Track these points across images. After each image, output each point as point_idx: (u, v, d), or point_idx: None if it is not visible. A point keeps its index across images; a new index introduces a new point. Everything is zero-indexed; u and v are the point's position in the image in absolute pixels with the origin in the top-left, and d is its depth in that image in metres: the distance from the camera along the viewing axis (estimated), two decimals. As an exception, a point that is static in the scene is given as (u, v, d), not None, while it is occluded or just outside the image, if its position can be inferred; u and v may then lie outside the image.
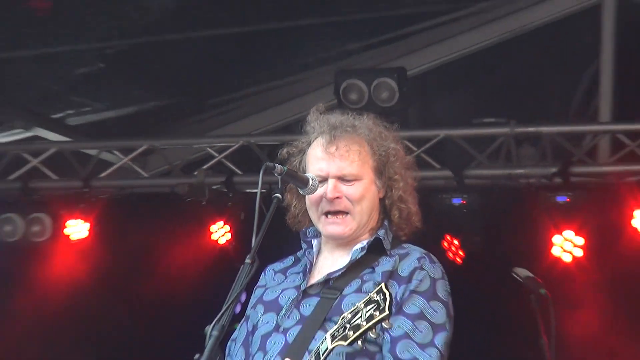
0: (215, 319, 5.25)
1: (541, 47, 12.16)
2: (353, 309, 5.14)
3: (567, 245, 11.16)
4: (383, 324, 4.94)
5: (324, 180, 5.83)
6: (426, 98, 11.62)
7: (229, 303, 5.30)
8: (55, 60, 11.49)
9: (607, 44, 11.58)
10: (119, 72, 11.94)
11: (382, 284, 5.00)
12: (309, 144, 5.98)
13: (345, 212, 5.85)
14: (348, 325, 5.11)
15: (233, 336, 5.96)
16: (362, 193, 5.88)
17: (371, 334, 5.01)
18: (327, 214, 5.84)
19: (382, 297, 4.90)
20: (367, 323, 4.96)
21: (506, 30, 11.88)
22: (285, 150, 5.97)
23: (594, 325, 10.66)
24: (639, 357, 10.80)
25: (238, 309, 5.66)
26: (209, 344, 5.24)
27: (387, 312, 4.90)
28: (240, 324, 5.99)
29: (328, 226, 5.88)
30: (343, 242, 5.97)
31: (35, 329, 12.12)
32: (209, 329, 5.26)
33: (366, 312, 5.04)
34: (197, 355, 5.23)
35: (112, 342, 12.21)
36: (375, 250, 5.87)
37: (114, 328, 12.16)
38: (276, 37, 11.42)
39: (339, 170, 5.85)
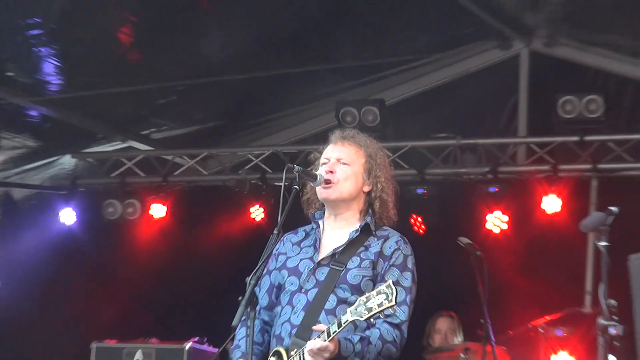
0: (253, 272, 5.94)
1: (479, 84, 12.26)
2: (368, 294, 5.42)
3: (496, 221, 11.49)
4: (390, 309, 5.48)
5: (325, 164, 6.03)
6: (399, 120, 11.80)
7: (262, 261, 6.06)
8: (143, 94, 11.74)
9: (523, 81, 12.07)
10: (187, 102, 12.22)
11: (391, 282, 5.37)
12: (323, 151, 6.16)
13: (330, 183, 5.91)
14: (364, 306, 5.37)
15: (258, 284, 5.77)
16: (349, 175, 5.96)
17: (375, 312, 5.39)
18: (324, 180, 5.93)
19: (390, 291, 5.32)
20: (378, 307, 5.34)
21: (454, 73, 12.23)
22: (312, 155, 6.27)
23: (514, 275, 10.92)
24: (545, 294, 10.86)
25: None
26: (249, 289, 5.92)
27: (393, 303, 5.30)
28: (263, 276, 6.02)
29: (323, 192, 5.95)
30: (338, 213, 6.08)
31: (130, 287, 12.56)
32: (248, 279, 5.98)
33: (378, 299, 5.35)
34: (240, 297, 5.94)
35: (184, 292, 12.43)
36: (364, 232, 5.96)
37: (184, 281, 12.42)
38: (295, 78, 11.48)
39: (339, 154, 6.00)
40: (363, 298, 5.50)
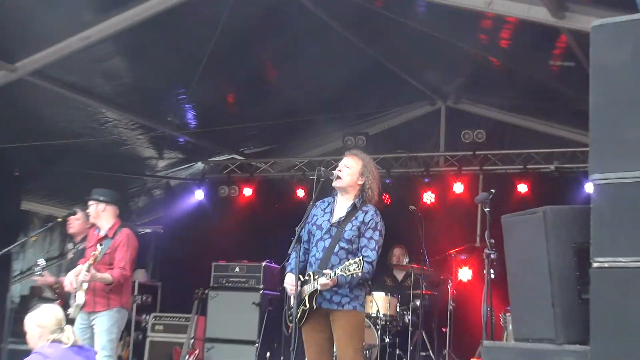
0: (299, 224, 5.86)
1: (419, 123, 12.23)
2: (350, 261, 5.45)
3: (427, 197, 11.41)
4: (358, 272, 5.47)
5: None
6: (376, 142, 11.66)
7: (303, 219, 5.97)
8: (240, 130, 11.53)
9: (442, 122, 11.85)
10: (263, 133, 12.11)
11: (361, 257, 5.49)
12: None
13: (339, 177, 5.89)
14: (347, 268, 5.39)
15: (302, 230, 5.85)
16: (349, 173, 5.85)
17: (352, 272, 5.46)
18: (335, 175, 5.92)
19: (359, 263, 5.40)
20: (353, 270, 5.38)
21: (406, 118, 12.20)
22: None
23: (437, 226, 10.55)
24: (455, 237, 10.61)
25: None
26: (297, 233, 5.86)
27: (360, 272, 5.41)
28: (304, 227, 5.97)
29: (334, 182, 5.87)
30: (343, 194, 5.95)
31: (233, 233, 12.22)
32: (297, 228, 5.89)
33: (353, 266, 5.40)
34: (292, 238, 5.84)
35: (261, 235, 12.03)
36: (354, 208, 5.84)
37: (261, 229, 12.11)
38: (314, 123, 11.45)
39: (345, 162, 5.90)
40: (348, 262, 5.52)
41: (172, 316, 10.93)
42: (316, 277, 5.72)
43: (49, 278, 7.91)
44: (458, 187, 11.22)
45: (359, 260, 5.51)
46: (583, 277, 4.18)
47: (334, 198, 6.04)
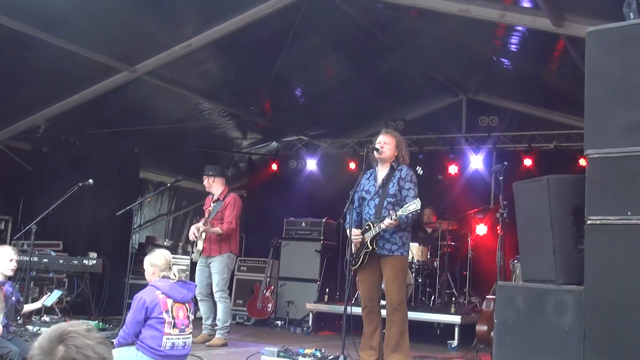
0: (353, 189, 5.84)
1: (445, 114, 11.91)
2: (406, 205, 5.46)
3: (453, 169, 11.28)
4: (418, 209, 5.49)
5: (379, 144, 5.87)
6: (410, 125, 11.47)
7: (356, 184, 5.94)
8: (307, 118, 11.54)
9: (464, 111, 11.63)
10: (324, 122, 11.96)
11: (418, 199, 5.45)
12: (378, 137, 5.98)
13: (382, 152, 5.85)
14: (406, 208, 5.44)
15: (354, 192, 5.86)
16: (389, 147, 5.82)
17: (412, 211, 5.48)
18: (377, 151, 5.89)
19: (417, 204, 5.39)
20: (413, 209, 5.42)
21: (433, 107, 12.05)
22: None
23: (462, 195, 10.54)
24: (473, 200, 10.42)
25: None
26: (350, 198, 5.83)
27: (418, 208, 5.41)
28: (356, 191, 5.92)
29: (377, 155, 5.84)
30: (382, 164, 5.92)
31: (298, 196, 12.10)
32: (351, 192, 5.86)
33: (412, 206, 5.41)
34: (346, 200, 5.84)
35: (321, 196, 11.95)
36: (392, 169, 5.81)
37: (321, 191, 12.01)
38: (362, 111, 11.30)
39: (384, 139, 5.88)
40: (406, 204, 5.49)
41: (253, 260, 11.01)
42: (375, 225, 5.72)
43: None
44: (476, 161, 11.01)
45: (417, 201, 5.48)
46: (578, 231, 4.17)
47: (375, 169, 6.03)
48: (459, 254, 9.87)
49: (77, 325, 1.77)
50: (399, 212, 5.54)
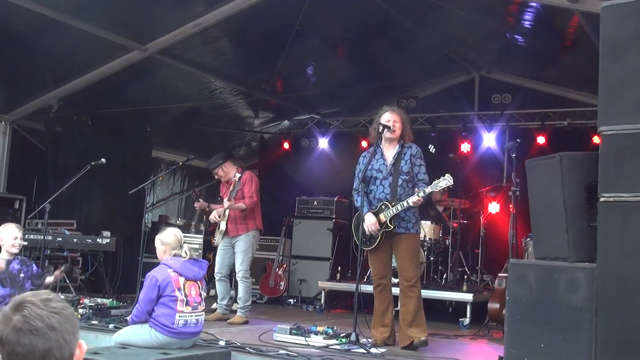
0: (363, 169, 5.80)
1: (457, 92, 11.83)
2: (436, 181, 5.52)
3: (465, 147, 11.18)
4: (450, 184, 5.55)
5: (388, 122, 5.82)
6: (421, 105, 11.39)
7: (365, 164, 5.90)
8: (319, 95, 11.47)
9: (476, 88, 11.47)
10: (335, 99, 11.84)
11: (448, 175, 5.51)
12: (382, 115, 5.93)
13: (394, 131, 5.77)
14: (436, 185, 5.50)
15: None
16: (397, 127, 5.77)
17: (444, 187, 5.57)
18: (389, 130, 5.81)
19: (447, 180, 5.43)
20: (445, 185, 5.49)
21: (447, 84, 11.93)
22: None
23: (474, 173, 10.58)
24: (485, 178, 10.41)
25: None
26: (361, 175, 5.79)
27: (451, 183, 5.48)
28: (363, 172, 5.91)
29: (390, 135, 5.81)
30: (390, 142, 5.86)
31: (309, 173, 12.19)
32: (356, 171, 5.81)
33: (442, 182, 5.50)
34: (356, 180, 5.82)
35: (332, 173, 11.89)
36: (402, 147, 5.77)
37: (333, 168, 12.00)
38: (375, 89, 11.16)
39: (392, 117, 5.83)
40: (436, 181, 5.55)
41: (265, 238, 10.98)
42: (393, 204, 5.70)
43: (203, 203, 7.94)
44: (489, 139, 10.94)
45: (448, 177, 5.48)
46: (591, 209, 4.12)
47: (380, 147, 5.94)
48: (471, 232, 9.86)
49: (38, 295, 1.74)
50: (428, 189, 5.55)
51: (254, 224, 7.49)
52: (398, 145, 5.86)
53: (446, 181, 5.46)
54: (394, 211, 5.67)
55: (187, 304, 4.87)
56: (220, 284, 7.40)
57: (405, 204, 5.62)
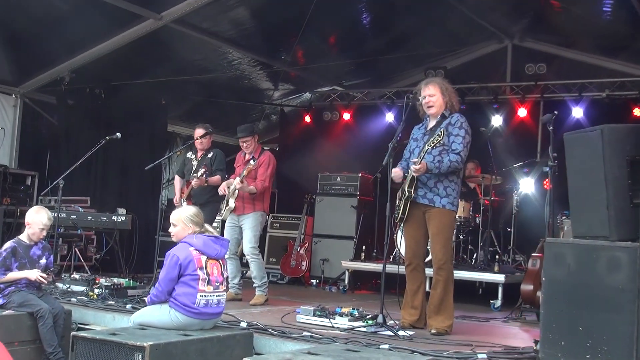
0: (392, 141, 5.80)
1: (488, 60, 11.77)
2: (435, 135, 5.50)
3: (497, 121, 11.26)
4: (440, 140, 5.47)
5: (424, 98, 5.78)
6: (452, 74, 11.28)
7: (395, 135, 5.89)
8: (341, 65, 11.44)
9: (509, 57, 11.42)
10: (359, 70, 11.81)
11: (442, 130, 5.48)
12: (420, 89, 5.89)
13: (432, 106, 5.77)
14: (432, 140, 5.45)
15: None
16: (436, 99, 5.72)
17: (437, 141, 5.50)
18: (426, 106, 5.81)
19: (440, 134, 5.38)
20: (437, 140, 5.39)
21: (477, 54, 11.81)
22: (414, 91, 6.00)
23: (507, 148, 10.52)
24: (520, 149, 10.43)
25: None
26: (389, 151, 5.79)
27: (441, 139, 5.44)
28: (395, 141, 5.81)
29: (428, 112, 5.80)
30: (432, 115, 5.83)
31: (334, 146, 12.31)
32: (390, 145, 5.81)
33: (437, 138, 5.45)
34: (385, 153, 5.82)
35: (357, 144, 12.01)
36: (443, 117, 5.73)
37: (356, 139, 12.02)
38: (401, 59, 11.07)
39: (427, 91, 5.78)
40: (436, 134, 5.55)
41: (286, 216, 11.08)
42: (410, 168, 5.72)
43: (202, 179, 7.92)
44: (522, 112, 10.83)
45: (441, 131, 5.46)
46: (634, 184, 4.07)
47: (427, 119, 5.96)
48: (503, 210, 9.79)
49: None
50: (425, 147, 5.52)
51: (261, 206, 7.58)
52: (440, 116, 5.84)
53: (438, 137, 5.48)
54: (408, 179, 5.72)
55: (208, 283, 4.92)
56: (230, 262, 7.42)
57: (410, 170, 5.69)
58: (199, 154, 7.98)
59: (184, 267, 4.84)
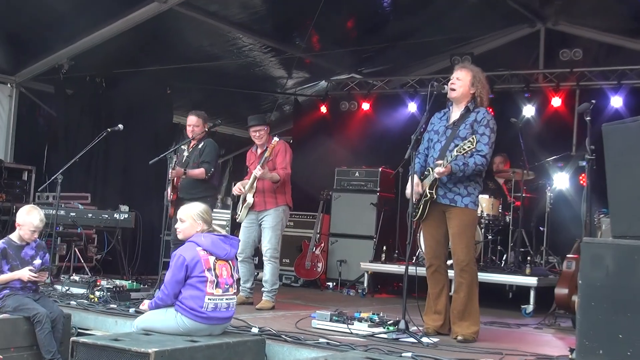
0: (415, 132, 5.79)
1: (519, 45, 11.73)
2: (462, 143, 5.43)
3: (529, 111, 11.18)
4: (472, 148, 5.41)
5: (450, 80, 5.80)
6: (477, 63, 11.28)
7: (419, 126, 5.90)
8: (360, 51, 11.50)
9: (541, 42, 11.40)
10: (378, 57, 11.78)
11: (473, 136, 5.42)
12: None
13: (454, 89, 5.73)
14: (461, 147, 5.40)
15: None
16: (461, 85, 5.71)
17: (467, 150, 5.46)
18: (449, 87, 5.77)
19: (472, 141, 5.34)
20: (467, 148, 5.36)
21: (509, 39, 11.76)
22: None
23: (539, 140, 10.50)
24: (555, 142, 10.42)
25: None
26: (412, 143, 5.79)
27: (474, 146, 5.37)
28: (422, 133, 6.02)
29: (450, 93, 5.77)
30: (457, 103, 5.82)
31: (352, 137, 12.36)
32: (412, 137, 5.81)
33: (467, 144, 5.34)
34: (408, 145, 5.81)
35: (376, 138, 12.13)
36: (468, 110, 5.70)
37: (376, 133, 12.15)
38: (424, 45, 11.04)
39: (456, 74, 5.81)
40: (460, 144, 5.46)
41: (300, 214, 11.06)
42: (434, 169, 5.69)
43: (179, 170, 7.64)
44: (556, 101, 10.77)
45: (472, 138, 5.42)
46: (680, 180, 4.01)
47: (449, 108, 5.95)
48: (535, 208, 9.74)
49: None
50: (454, 153, 5.51)
51: (284, 198, 7.47)
52: (464, 108, 5.81)
53: (470, 144, 5.43)
54: (431, 178, 5.72)
55: (217, 285, 4.89)
56: (243, 265, 7.38)
57: (434, 173, 5.67)
58: (192, 144, 7.92)
59: (190, 269, 4.84)
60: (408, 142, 5.76)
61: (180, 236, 5.18)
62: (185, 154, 7.89)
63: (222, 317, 4.98)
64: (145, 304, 5.19)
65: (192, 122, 7.89)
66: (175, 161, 7.50)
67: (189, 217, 5.10)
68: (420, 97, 11.55)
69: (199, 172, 7.60)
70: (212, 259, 4.93)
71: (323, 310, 5.96)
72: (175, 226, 5.25)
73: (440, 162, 5.60)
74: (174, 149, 7.99)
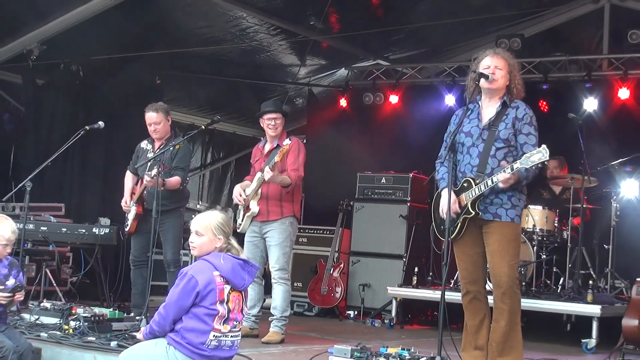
0: (453, 132, 5.79)
1: (581, 23, 11.72)
2: (528, 154, 5.39)
3: (591, 104, 11.09)
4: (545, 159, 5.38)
5: (487, 69, 5.74)
6: (532, 45, 11.24)
7: (456, 125, 5.89)
8: (385, 34, 11.52)
9: (606, 21, 11.38)
10: (410, 39, 11.83)
11: (544, 146, 5.33)
12: (481, 60, 5.85)
13: (496, 80, 5.70)
14: (528, 160, 5.34)
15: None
16: (500, 76, 5.69)
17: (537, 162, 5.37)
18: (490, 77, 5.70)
19: (545, 152, 5.31)
20: (538, 160, 5.26)
21: (569, 17, 11.75)
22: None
23: (604, 140, 10.44)
24: (623, 141, 10.38)
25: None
26: (449, 145, 5.76)
27: (547, 158, 5.33)
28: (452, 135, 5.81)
29: (490, 85, 5.71)
30: (491, 97, 5.82)
31: (377, 136, 12.40)
32: (445, 136, 5.80)
33: (537, 155, 5.29)
34: (442, 150, 5.81)
35: (405, 137, 12.16)
36: (505, 105, 5.71)
37: (406, 132, 12.16)
38: (465, 24, 11.10)
39: (493, 62, 5.73)
40: (529, 152, 5.44)
41: (316, 228, 11.07)
42: (477, 182, 5.64)
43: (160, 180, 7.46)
44: (624, 93, 10.71)
45: (543, 149, 5.42)
46: None
47: (478, 103, 5.93)
48: (598, 221, 9.69)
49: None
50: (517, 165, 5.46)
51: (291, 208, 7.44)
52: (500, 103, 5.82)
53: (540, 154, 5.40)
54: (477, 191, 5.64)
55: (226, 321, 4.76)
56: (251, 288, 7.24)
57: (490, 182, 5.60)
58: (157, 144, 7.91)
59: (201, 297, 4.66)
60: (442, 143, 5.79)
61: (194, 252, 4.93)
62: (150, 155, 7.89)
63: (223, 356, 4.85)
64: (141, 332, 5.13)
65: (152, 120, 7.90)
66: (150, 166, 7.56)
67: (209, 230, 4.87)
68: (460, 87, 11.34)
69: (175, 181, 7.63)
70: (227, 288, 4.69)
71: (342, 345, 5.94)
72: (190, 240, 4.98)
73: (504, 164, 5.56)
74: (163, 150, 8.05)
